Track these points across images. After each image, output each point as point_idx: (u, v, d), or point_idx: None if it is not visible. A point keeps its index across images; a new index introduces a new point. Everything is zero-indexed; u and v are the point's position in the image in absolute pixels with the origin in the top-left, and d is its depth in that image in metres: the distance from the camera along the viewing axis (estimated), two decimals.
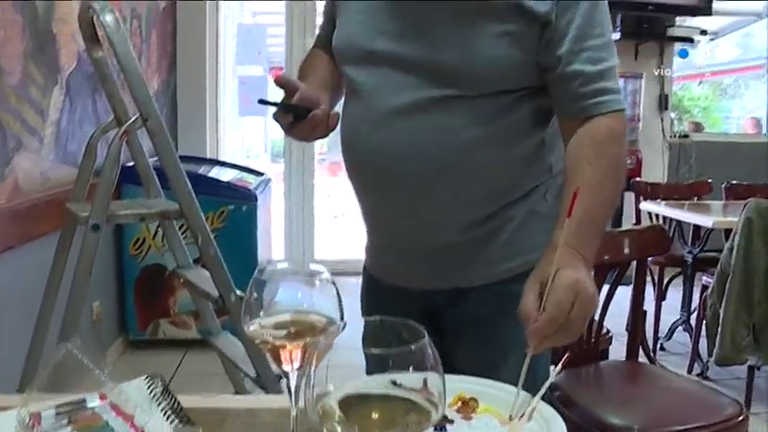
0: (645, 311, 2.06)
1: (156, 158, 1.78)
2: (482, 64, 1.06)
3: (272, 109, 1.10)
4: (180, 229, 2.05)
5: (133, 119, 1.55)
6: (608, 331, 2.15)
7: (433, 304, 1.20)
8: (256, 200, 3.22)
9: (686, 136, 5.25)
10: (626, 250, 1.89)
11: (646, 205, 3.57)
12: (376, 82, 1.12)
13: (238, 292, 1.66)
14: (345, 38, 1.19)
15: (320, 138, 1.16)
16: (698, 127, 7.32)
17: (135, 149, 1.77)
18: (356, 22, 1.17)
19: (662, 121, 5.01)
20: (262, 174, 3.85)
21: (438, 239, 1.15)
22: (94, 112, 3.00)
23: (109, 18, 1.55)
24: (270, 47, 5.54)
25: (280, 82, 1.10)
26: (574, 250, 0.95)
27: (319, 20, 4.99)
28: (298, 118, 1.09)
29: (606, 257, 1.82)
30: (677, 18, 4.93)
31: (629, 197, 3.83)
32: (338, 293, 0.70)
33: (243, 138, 6.74)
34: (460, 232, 1.13)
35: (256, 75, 5.00)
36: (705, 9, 4.88)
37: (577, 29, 1.05)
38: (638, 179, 4.05)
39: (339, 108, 1.22)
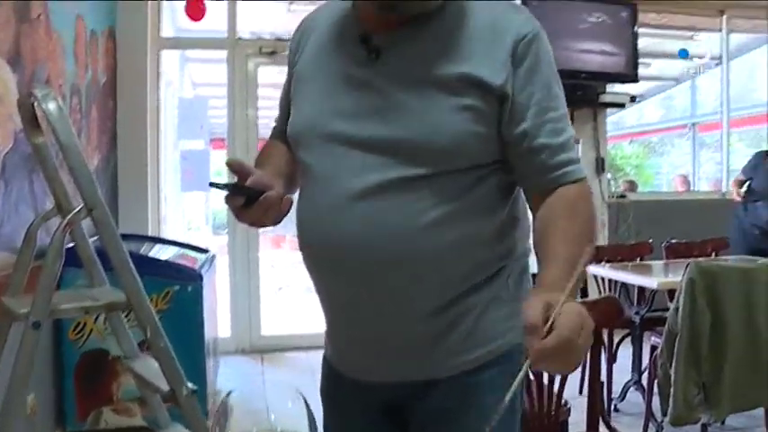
0: (602, 383, 2.07)
1: (96, 238, 1.71)
2: (444, 139, 1.05)
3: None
4: (124, 312, 1.95)
5: (77, 209, 1.48)
6: (566, 402, 2.15)
7: (397, 397, 1.16)
8: (202, 279, 3.13)
9: (623, 196, 5.43)
10: None
11: (591, 269, 3.64)
12: (334, 165, 1.10)
13: (190, 385, 1.58)
14: (301, 122, 1.17)
15: (272, 224, 1.13)
16: (632, 185, 7.60)
17: (78, 238, 1.69)
18: (311, 105, 1.16)
19: (600, 183, 5.18)
20: (206, 251, 3.77)
21: (401, 328, 1.11)
22: (31, 192, 2.90)
23: (51, 106, 1.49)
24: (211, 117, 5.54)
25: (232, 166, 1.07)
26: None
27: (261, 90, 5.07)
28: (249, 201, 1.06)
29: None
30: (607, 85, 5.17)
31: None
32: (310, 412, 0.66)
33: (184, 211, 6.64)
34: (424, 320, 1.09)
35: (198, 149, 4.97)
36: (632, 77, 5.19)
37: (538, 102, 1.07)
38: None
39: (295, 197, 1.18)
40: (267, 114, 5.17)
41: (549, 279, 0.96)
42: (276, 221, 1.12)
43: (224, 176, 4.34)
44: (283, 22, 4.95)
